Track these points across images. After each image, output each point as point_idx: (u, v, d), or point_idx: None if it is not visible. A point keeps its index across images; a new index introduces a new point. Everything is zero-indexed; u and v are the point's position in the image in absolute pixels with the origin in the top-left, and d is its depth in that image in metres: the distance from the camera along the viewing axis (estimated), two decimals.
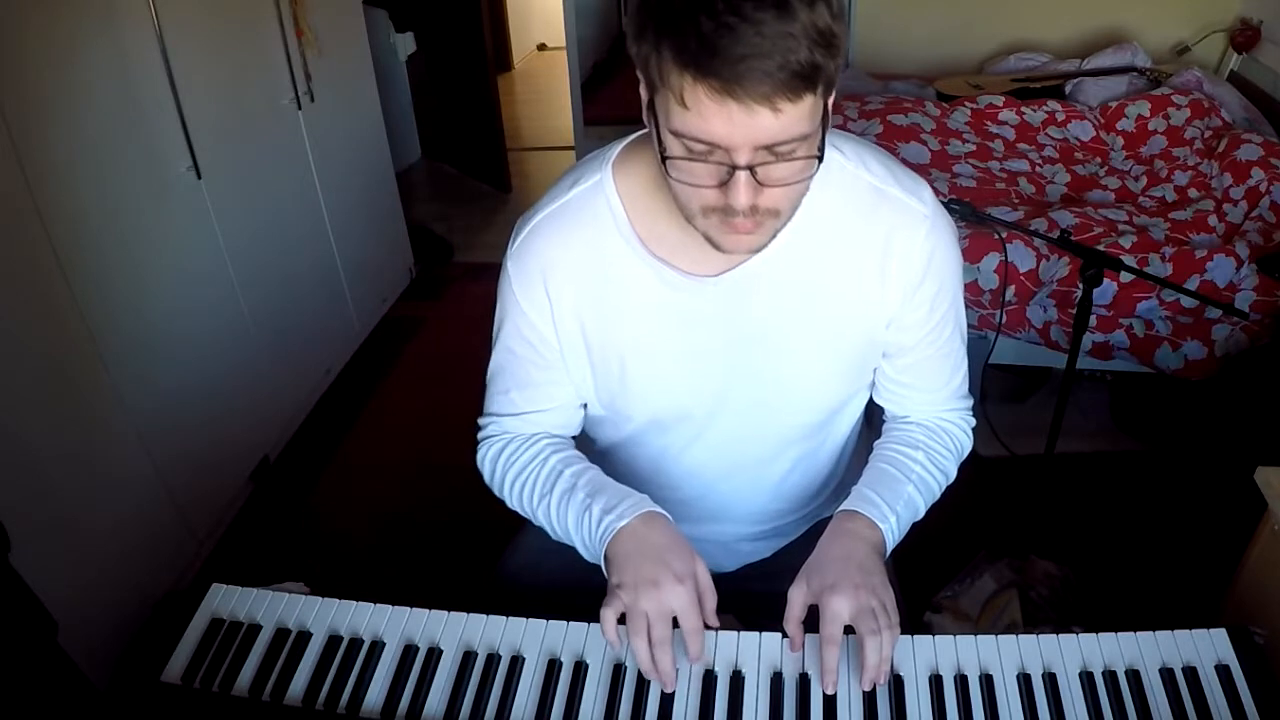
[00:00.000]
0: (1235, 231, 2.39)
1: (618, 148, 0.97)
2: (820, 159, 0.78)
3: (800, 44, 0.69)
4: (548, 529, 1.03)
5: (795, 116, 0.73)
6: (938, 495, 1.07)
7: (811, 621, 0.92)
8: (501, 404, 1.07)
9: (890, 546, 1.00)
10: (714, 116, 0.72)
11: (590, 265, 0.96)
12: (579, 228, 0.95)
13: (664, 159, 0.78)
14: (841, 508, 1.01)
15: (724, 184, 0.77)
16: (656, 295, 0.95)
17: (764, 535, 1.21)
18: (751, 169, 0.75)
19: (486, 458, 1.09)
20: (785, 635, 0.93)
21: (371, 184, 3.07)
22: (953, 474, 1.09)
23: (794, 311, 0.96)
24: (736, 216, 0.79)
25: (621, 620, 0.90)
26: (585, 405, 1.08)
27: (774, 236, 0.85)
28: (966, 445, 1.11)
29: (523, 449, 1.06)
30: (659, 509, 0.96)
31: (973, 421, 1.11)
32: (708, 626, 0.92)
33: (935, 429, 1.08)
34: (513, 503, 1.08)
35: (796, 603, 0.92)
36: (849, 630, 0.90)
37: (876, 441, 1.10)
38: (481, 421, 1.10)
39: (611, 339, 0.99)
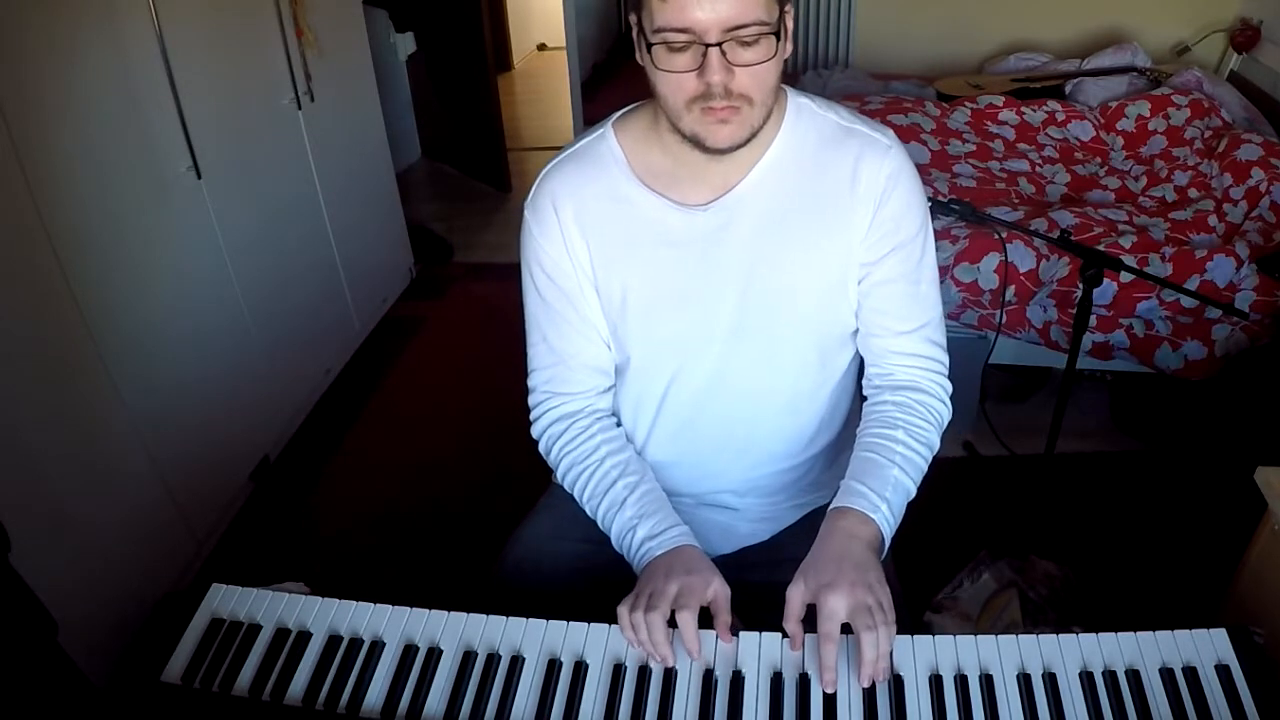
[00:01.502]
0: (1235, 231, 2.39)
1: (616, 114, 1.10)
2: (779, 38, 0.92)
3: None
4: (589, 514, 1.13)
5: (751, 2, 0.88)
6: (925, 468, 1.10)
7: (810, 621, 0.93)
8: (541, 355, 1.15)
9: (888, 533, 1.02)
10: (687, 2, 0.87)
11: (595, 196, 1.07)
12: (584, 167, 1.08)
13: (649, 48, 0.92)
14: (833, 505, 1.03)
15: (700, 68, 0.90)
16: (653, 223, 1.06)
17: (760, 489, 1.23)
18: (721, 48, 0.89)
19: (544, 436, 1.17)
20: (785, 634, 0.95)
21: (371, 184, 3.07)
22: (936, 444, 1.12)
23: (776, 235, 1.05)
24: (714, 100, 0.92)
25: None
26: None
27: (752, 134, 0.96)
28: (945, 413, 1.13)
29: (579, 440, 1.14)
30: (695, 542, 1.05)
31: (949, 387, 1.14)
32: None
33: (910, 403, 1.10)
34: (564, 484, 1.16)
35: (795, 601, 0.94)
36: (847, 630, 0.91)
37: (857, 429, 1.13)
38: (529, 383, 1.18)
39: (614, 265, 1.08)
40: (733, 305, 1.08)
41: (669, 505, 1.09)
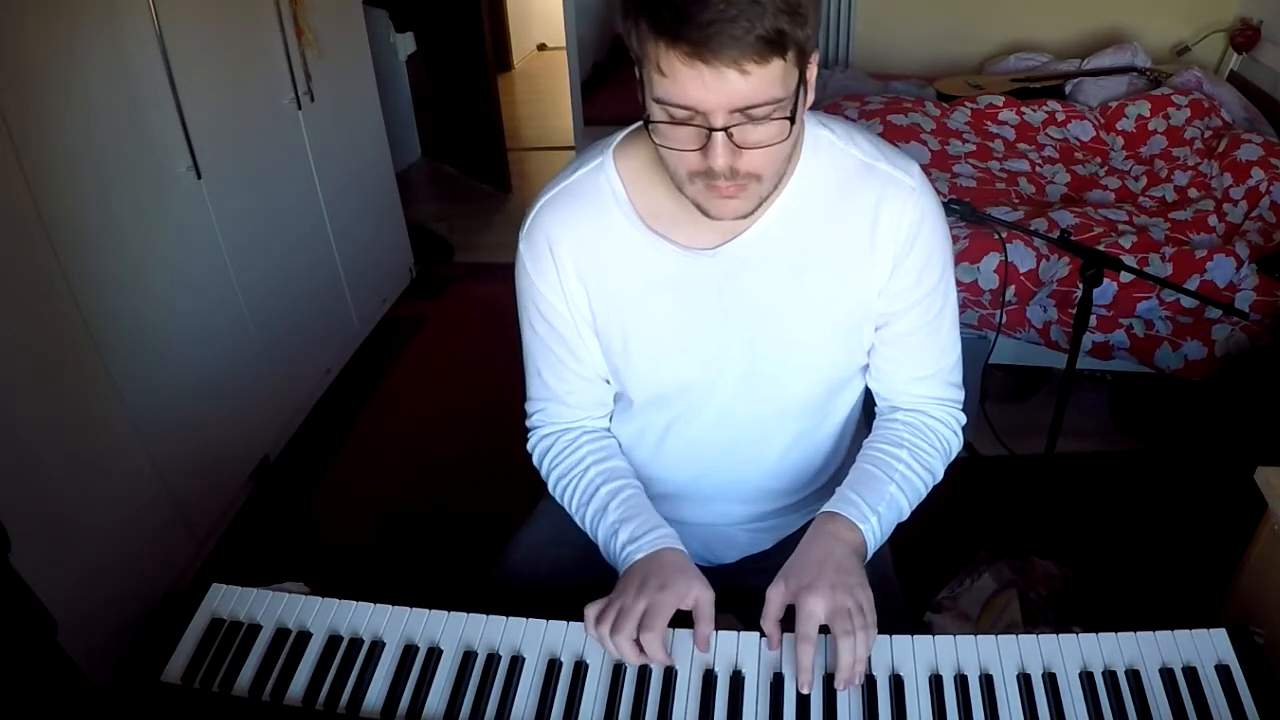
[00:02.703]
0: (1235, 231, 2.39)
1: (619, 135, 1.02)
2: (793, 121, 0.82)
3: (766, 12, 0.75)
4: (579, 525, 1.10)
5: (765, 80, 0.78)
6: (924, 494, 1.07)
7: (791, 622, 0.92)
8: (537, 387, 1.13)
9: (872, 547, 1.00)
10: (688, 81, 0.77)
11: (593, 238, 1.00)
12: (582, 205, 1.00)
13: (649, 124, 0.83)
14: (823, 509, 1.01)
15: (704, 147, 0.82)
16: (655, 268, 1.00)
17: (763, 517, 1.22)
18: (727, 131, 0.80)
19: (535, 450, 1.16)
20: (763, 634, 0.93)
21: (371, 184, 3.08)
22: (940, 473, 1.09)
23: (788, 282, 0.99)
24: (719, 179, 0.84)
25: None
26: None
27: (761, 203, 0.90)
28: (955, 444, 1.10)
29: (566, 453, 1.12)
30: (678, 545, 1.01)
31: (963, 419, 1.11)
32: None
33: (921, 426, 1.08)
34: (555, 497, 1.14)
35: (774, 602, 0.93)
36: (825, 630, 0.90)
37: (864, 441, 1.10)
38: (526, 408, 1.16)
39: (614, 311, 1.03)
40: (741, 353, 1.03)
41: (651, 508, 1.06)
